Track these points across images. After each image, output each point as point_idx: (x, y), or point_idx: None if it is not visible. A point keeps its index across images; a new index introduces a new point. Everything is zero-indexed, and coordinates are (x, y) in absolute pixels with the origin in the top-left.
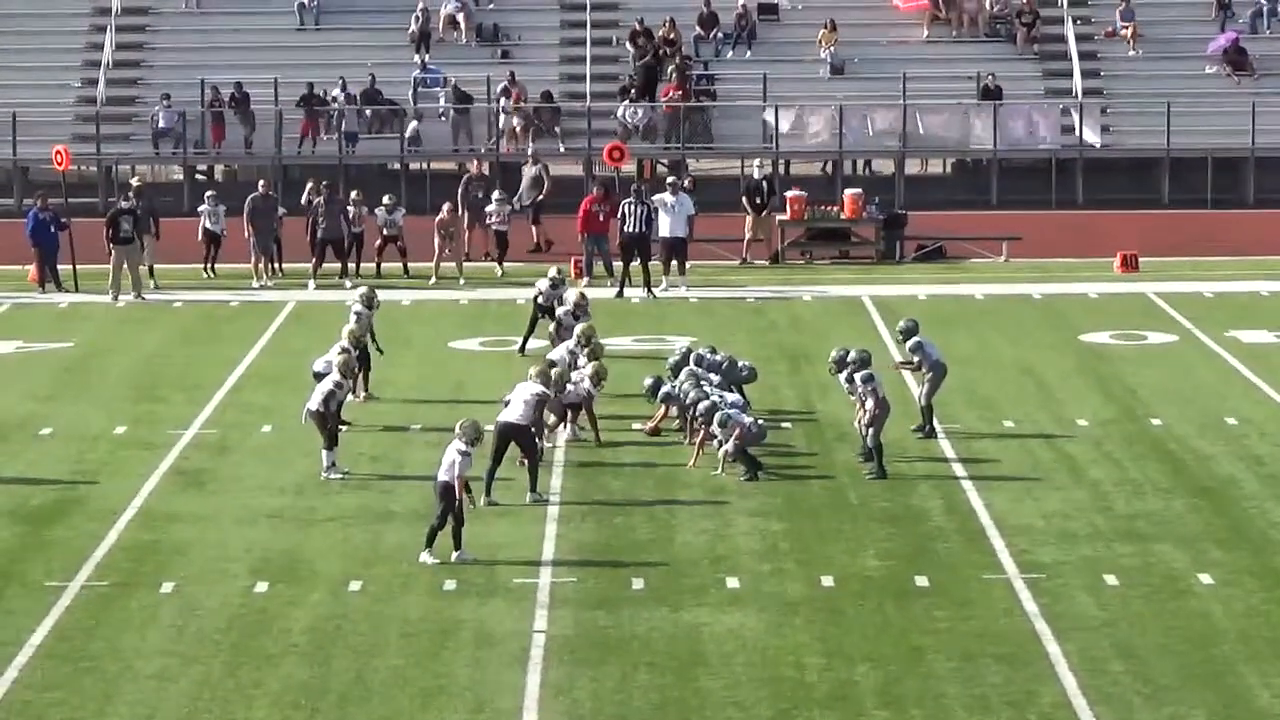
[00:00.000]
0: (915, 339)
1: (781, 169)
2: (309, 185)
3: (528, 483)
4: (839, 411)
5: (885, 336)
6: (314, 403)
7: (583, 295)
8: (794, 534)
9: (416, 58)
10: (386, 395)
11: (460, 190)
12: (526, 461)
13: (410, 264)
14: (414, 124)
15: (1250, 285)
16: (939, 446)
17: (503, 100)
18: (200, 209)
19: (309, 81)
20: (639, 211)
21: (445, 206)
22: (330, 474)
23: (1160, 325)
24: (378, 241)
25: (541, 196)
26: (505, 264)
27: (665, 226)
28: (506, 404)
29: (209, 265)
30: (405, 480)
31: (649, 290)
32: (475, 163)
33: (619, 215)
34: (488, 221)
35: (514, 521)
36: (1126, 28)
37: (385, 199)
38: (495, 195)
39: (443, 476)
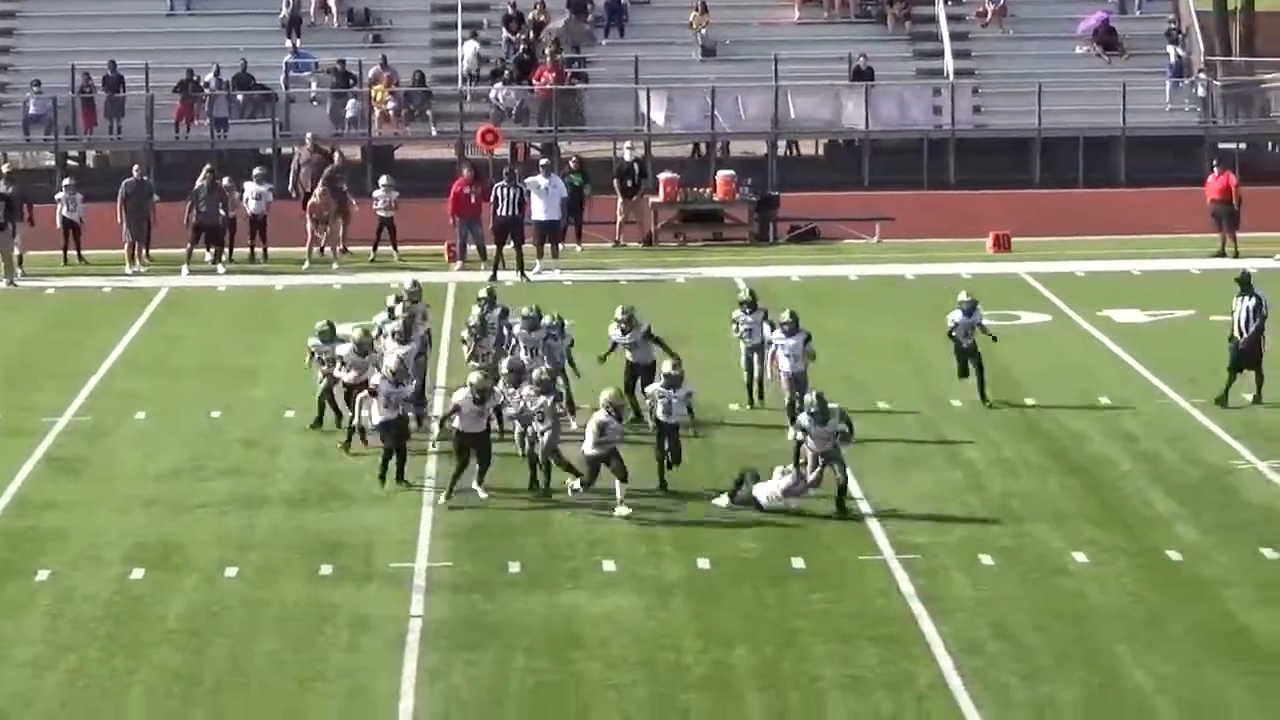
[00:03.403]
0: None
1: (655, 151)
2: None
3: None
4: (714, 393)
5: None
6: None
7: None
8: (669, 516)
9: (288, 42)
10: (260, 381)
11: (324, 180)
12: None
13: (285, 249)
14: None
15: (1122, 264)
16: None
17: (374, 85)
18: (57, 196)
19: (188, 67)
20: (512, 195)
21: (317, 190)
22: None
23: (1033, 305)
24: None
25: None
26: (399, 248)
27: (538, 209)
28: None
29: (69, 253)
30: (280, 465)
31: (522, 273)
32: (338, 152)
33: (492, 199)
34: (375, 208)
35: (389, 506)
36: (996, 8)
37: (256, 170)
38: (382, 181)
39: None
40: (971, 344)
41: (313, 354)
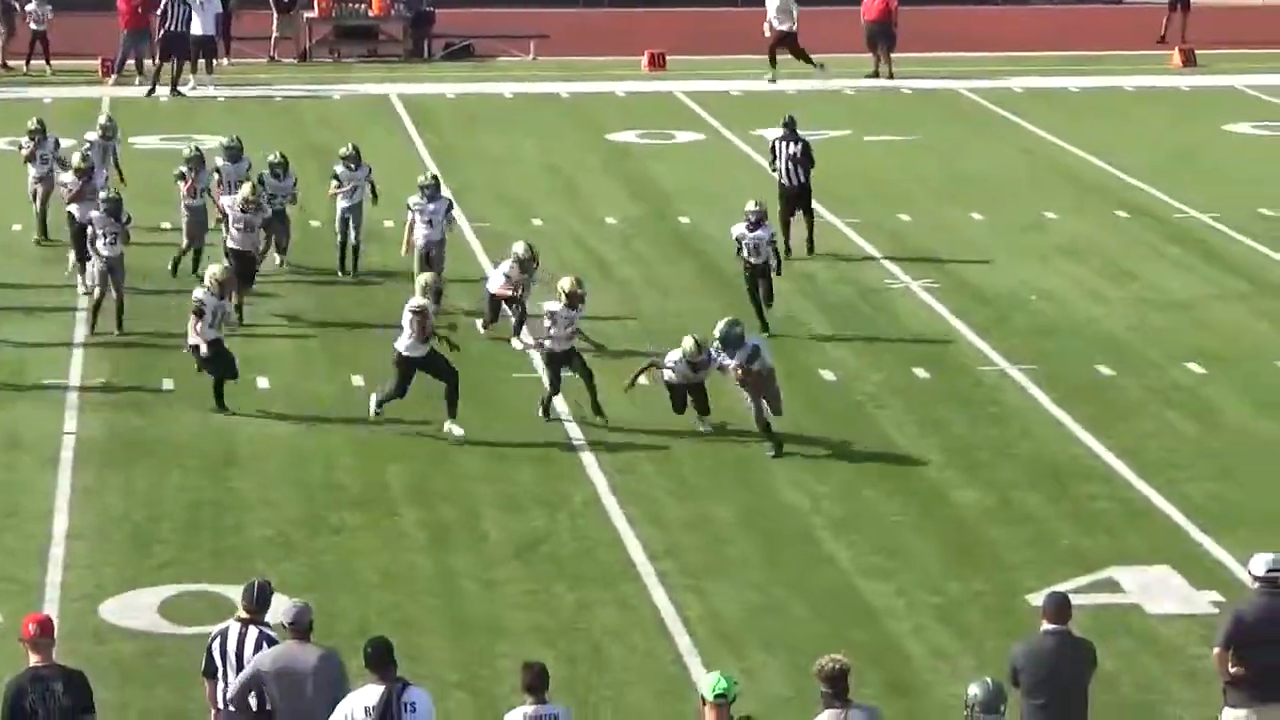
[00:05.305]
0: (751, 344)
1: None
2: None
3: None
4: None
5: (413, 135)
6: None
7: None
8: (325, 336)
9: None
10: None
11: None
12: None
13: None
14: None
15: (776, 84)
16: (465, 240)
17: None
18: None
19: None
20: (181, 12)
21: None
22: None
23: (687, 124)
24: None
25: None
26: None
27: (195, 25)
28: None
29: None
30: None
31: (175, 90)
32: None
33: (160, 12)
34: (28, 21)
35: (43, 325)
36: None
37: None
38: None
39: None
40: (763, 263)
41: None
